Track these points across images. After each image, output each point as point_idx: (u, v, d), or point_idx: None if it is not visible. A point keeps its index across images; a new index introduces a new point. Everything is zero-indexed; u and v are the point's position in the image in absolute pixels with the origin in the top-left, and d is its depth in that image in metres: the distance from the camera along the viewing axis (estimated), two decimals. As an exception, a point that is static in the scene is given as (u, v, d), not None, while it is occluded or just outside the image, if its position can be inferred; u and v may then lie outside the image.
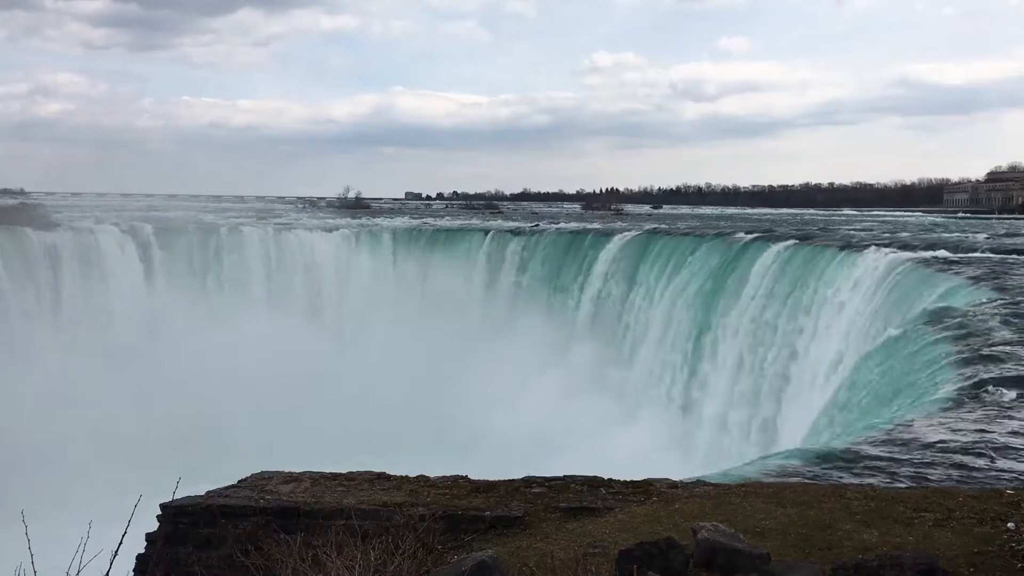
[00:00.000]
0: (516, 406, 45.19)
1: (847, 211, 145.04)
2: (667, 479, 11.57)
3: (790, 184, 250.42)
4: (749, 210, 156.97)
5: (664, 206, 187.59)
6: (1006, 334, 20.78)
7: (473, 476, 11.84)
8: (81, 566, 6.29)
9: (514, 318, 57.22)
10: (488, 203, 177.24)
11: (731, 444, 37.87)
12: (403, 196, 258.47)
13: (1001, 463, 12.78)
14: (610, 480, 11.42)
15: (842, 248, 39.95)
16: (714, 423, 40.48)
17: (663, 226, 65.67)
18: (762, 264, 42.72)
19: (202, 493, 11.61)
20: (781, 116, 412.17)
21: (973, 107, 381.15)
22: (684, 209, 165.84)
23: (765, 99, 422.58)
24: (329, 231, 67.13)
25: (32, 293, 51.22)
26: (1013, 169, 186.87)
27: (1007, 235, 54.63)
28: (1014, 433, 14.11)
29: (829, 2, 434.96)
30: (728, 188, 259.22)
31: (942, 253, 36.97)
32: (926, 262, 33.89)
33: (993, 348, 19.40)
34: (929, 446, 13.50)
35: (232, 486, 11.84)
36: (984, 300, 25.72)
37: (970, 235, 52.88)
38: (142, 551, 11.06)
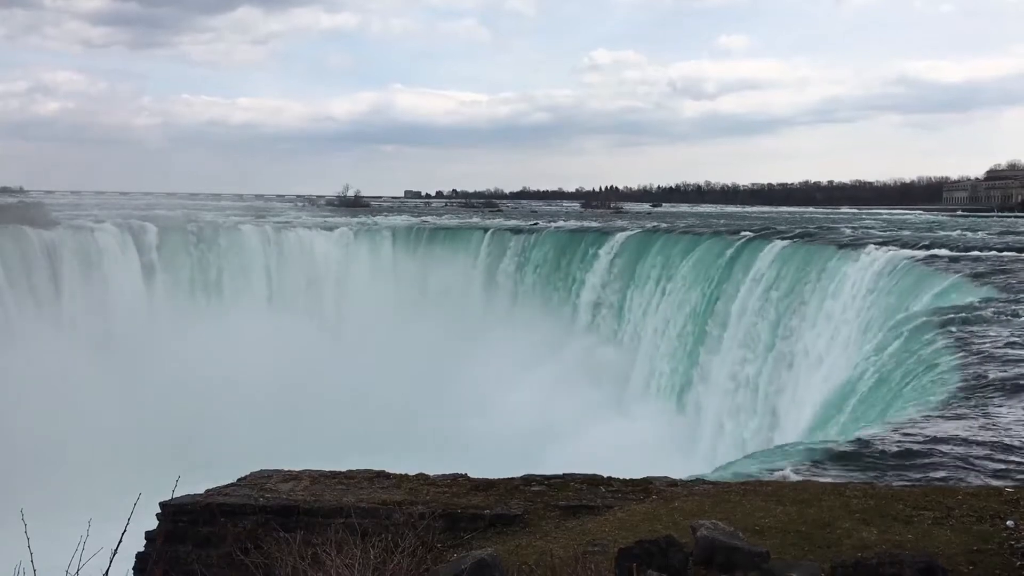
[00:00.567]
0: (516, 404, 45.19)
1: (846, 209, 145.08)
2: (666, 477, 11.59)
3: (789, 182, 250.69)
4: (748, 208, 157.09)
5: (663, 204, 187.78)
6: (1006, 332, 20.79)
7: (472, 474, 11.85)
8: (81, 564, 6.29)
9: (514, 316, 57.29)
10: (487, 201, 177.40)
11: (730, 441, 37.87)
12: (402, 194, 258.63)
13: (1001, 462, 12.79)
14: (609, 478, 11.43)
15: (841, 246, 39.97)
16: (713, 420, 40.52)
17: (663, 224, 65.74)
18: (762, 262, 42.76)
19: (201, 492, 11.61)
20: (780, 114, 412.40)
21: (972, 105, 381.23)
22: (683, 207, 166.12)
23: (764, 97, 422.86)
24: (329, 230, 67.16)
25: (31, 291, 51.20)
26: (1012, 167, 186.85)
27: (1007, 233, 54.62)
28: (1013, 431, 14.12)
29: (828, 0, 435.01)
30: (727, 186, 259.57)
31: (942, 251, 36.97)
32: (925, 260, 33.90)
33: (993, 346, 19.40)
34: (929, 443, 13.50)
35: (231, 485, 11.85)
36: (984, 298, 25.73)
37: (969, 233, 52.88)
38: (142, 549, 11.06)
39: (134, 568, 10.61)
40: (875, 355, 23.00)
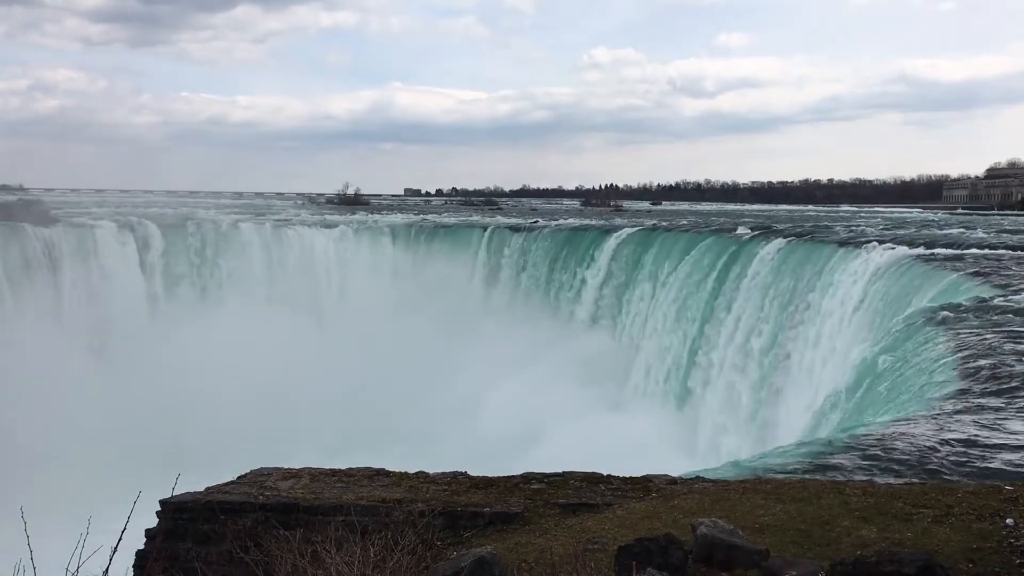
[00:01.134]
0: (516, 401, 45.19)
1: (846, 207, 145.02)
2: (666, 475, 11.58)
3: (789, 180, 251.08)
4: (748, 206, 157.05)
5: (663, 202, 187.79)
6: (1006, 331, 20.79)
7: (472, 472, 11.84)
8: (81, 562, 6.30)
9: (514, 313, 57.32)
10: (487, 199, 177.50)
11: (729, 438, 37.91)
12: (402, 192, 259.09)
13: (1001, 460, 12.79)
14: (609, 476, 11.42)
15: (841, 244, 39.97)
16: (713, 418, 40.54)
17: (662, 223, 65.72)
18: (761, 260, 42.78)
19: (201, 489, 11.61)
20: (780, 112, 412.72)
21: (972, 103, 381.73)
22: (683, 205, 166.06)
23: (764, 95, 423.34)
24: (328, 228, 67.15)
25: (30, 289, 51.20)
26: (1012, 165, 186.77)
27: (1007, 231, 54.59)
28: (1012, 430, 14.12)
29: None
30: (727, 184, 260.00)
31: (942, 250, 36.97)
32: (926, 258, 33.90)
33: (993, 345, 19.40)
34: (928, 442, 13.50)
35: (231, 482, 11.84)
36: (984, 296, 25.72)
37: (969, 231, 52.85)
38: (142, 547, 11.05)
39: (134, 565, 10.59)
40: (875, 352, 23.00)
